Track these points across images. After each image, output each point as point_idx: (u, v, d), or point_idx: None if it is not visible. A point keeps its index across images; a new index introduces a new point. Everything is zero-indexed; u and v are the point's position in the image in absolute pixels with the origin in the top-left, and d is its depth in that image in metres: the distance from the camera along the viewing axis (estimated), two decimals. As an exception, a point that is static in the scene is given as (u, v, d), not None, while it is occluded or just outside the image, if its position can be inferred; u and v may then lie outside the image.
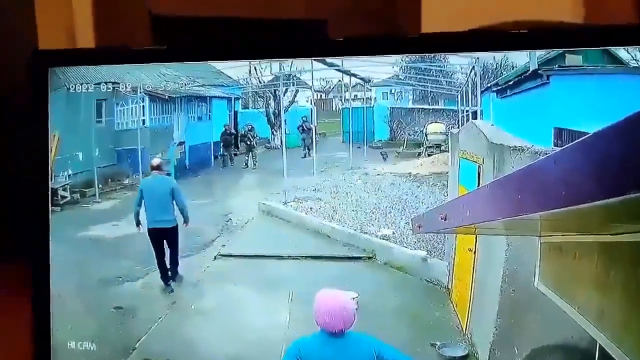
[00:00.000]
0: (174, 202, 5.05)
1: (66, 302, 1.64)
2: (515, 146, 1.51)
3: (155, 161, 5.41)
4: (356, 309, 1.48)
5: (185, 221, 5.08)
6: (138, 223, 5.30)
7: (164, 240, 4.48)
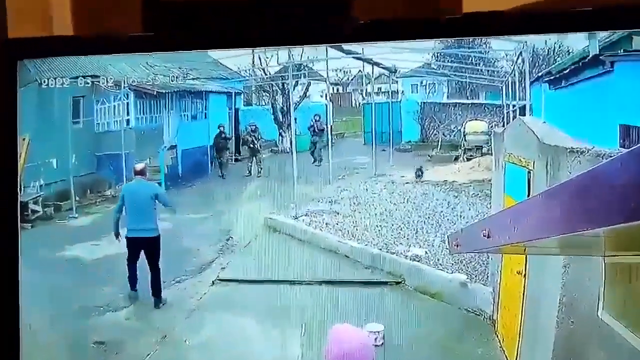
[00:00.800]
0: (157, 210, 5.01)
1: (38, 335, 1.65)
2: (573, 148, 1.49)
3: (139, 166, 5.47)
4: (379, 345, 1.57)
5: (168, 207, 5.01)
6: (117, 233, 5.34)
7: (143, 251, 4.49)
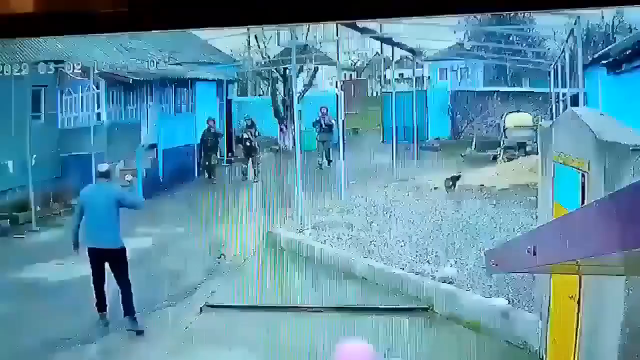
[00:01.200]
0: (119, 215, 5.03)
1: (-10, 374, 1.66)
2: (638, 145, 1.48)
3: (103, 167, 5.50)
4: None
5: (135, 207, 5.05)
6: (76, 244, 5.38)
7: (106, 265, 4.47)
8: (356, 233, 6.90)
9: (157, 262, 7.02)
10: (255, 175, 14.33)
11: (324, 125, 15.14)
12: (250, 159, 14.22)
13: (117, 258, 5.24)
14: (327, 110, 15.35)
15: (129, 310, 5.21)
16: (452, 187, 8.21)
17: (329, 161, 13.92)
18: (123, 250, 5.24)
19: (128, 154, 12.66)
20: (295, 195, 7.51)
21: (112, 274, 5.21)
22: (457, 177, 8.51)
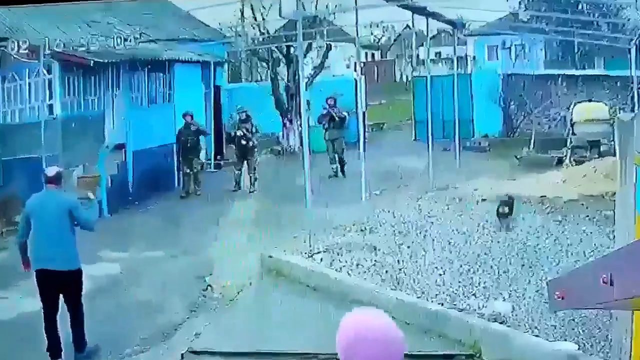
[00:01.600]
0: (73, 230, 5.07)
1: None
2: None
3: (51, 170, 5.54)
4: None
5: (84, 226, 5.08)
6: (26, 261, 5.40)
7: (58, 290, 4.47)
8: (381, 258, 6.88)
9: (127, 294, 7.03)
10: (251, 183, 14.19)
11: (333, 120, 14.76)
12: (246, 162, 14.06)
13: (72, 283, 5.24)
14: (335, 102, 15.06)
15: (79, 345, 5.23)
16: (508, 217, 7.78)
17: (341, 167, 13.69)
18: (79, 273, 5.24)
19: (88, 156, 12.63)
20: (303, 209, 7.49)
21: (65, 305, 5.20)
22: (512, 201, 8.00)
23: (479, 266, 6.47)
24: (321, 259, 7.05)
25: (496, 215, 7.75)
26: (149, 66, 12.68)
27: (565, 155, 12.03)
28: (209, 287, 6.80)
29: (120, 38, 11.27)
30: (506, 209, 7.79)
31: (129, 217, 10.66)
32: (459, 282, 6.05)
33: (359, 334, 1.56)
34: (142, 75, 12.69)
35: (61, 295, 5.14)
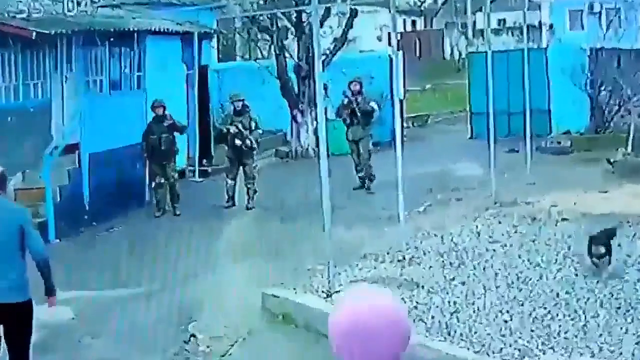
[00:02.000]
0: (23, 250, 5.13)
1: None
2: None
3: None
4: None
5: (48, 291, 5.21)
6: None
7: (3, 328, 4.45)
8: (426, 298, 6.86)
9: (81, 348, 7.04)
10: (249, 198, 13.97)
11: (355, 114, 14.45)
12: (242, 169, 13.56)
13: (19, 318, 5.24)
14: (361, 87, 14.78)
15: None
16: (605, 260, 7.20)
17: (369, 178, 13.47)
18: (29, 305, 5.23)
19: (30, 161, 12.54)
20: (320, 232, 7.45)
21: (5, 346, 5.20)
22: (612, 236, 7.39)
23: (559, 309, 6.44)
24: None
25: (587, 255, 7.30)
26: (111, 39, 12.71)
27: (677, 159, 11.95)
28: (192, 338, 6.79)
29: (73, 1, 11.30)
30: (601, 249, 7.21)
31: (85, 243, 10.64)
32: (532, 330, 6.03)
33: (355, 324, 1.69)
34: (102, 52, 12.71)
35: (2, 337, 5.13)
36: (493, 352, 5.68)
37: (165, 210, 11.49)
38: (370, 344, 1.68)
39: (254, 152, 11.79)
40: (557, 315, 6.26)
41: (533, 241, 8.30)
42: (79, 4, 10.75)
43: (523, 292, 6.78)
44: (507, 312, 6.39)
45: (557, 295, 6.65)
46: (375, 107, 12.05)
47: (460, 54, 31.50)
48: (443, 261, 7.78)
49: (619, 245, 7.65)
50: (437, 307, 6.57)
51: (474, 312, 6.43)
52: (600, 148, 14.00)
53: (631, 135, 12.85)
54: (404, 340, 1.72)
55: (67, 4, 10.74)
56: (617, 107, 15.67)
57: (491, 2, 13.01)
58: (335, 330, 1.71)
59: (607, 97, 15.82)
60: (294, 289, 7.18)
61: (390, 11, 10.27)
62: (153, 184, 11.60)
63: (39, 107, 11.04)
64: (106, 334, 6.90)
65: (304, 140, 16.21)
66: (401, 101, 11.13)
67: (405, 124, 15.49)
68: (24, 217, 5.21)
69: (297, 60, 16.21)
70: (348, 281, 7.16)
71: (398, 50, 11.22)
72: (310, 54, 13.88)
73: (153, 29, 13.49)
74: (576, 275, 7.16)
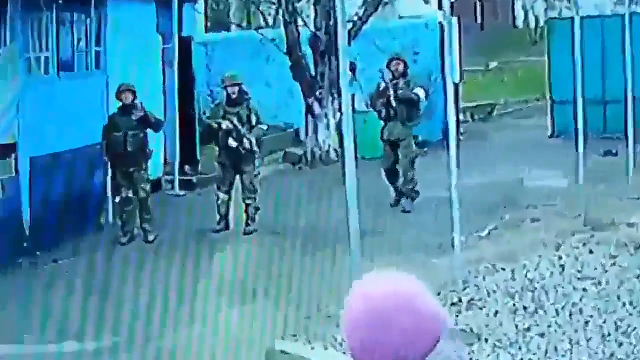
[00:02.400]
0: None
1: None
2: None
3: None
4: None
5: None
6: None
7: None
8: (490, 356, 6.87)
9: None
10: (248, 218, 13.99)
11: (391, 105, 14.17)
12: (239, 179, 13.84)
13: None
14: (404, 68, 14.46)
15: None
16: None
17: (410, 194, 13.24)
18: None
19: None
20: (346, 263, 7.47)
21: None
22: None
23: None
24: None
25: None
26: (60, 2, 12.75)
27: None
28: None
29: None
30: None
31: (23, 279, 10.70)
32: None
33: (366, 311, 1.80)
34: (48, 20, 12.75)
35: None
36: None
37: (134, 235, 11.51)
38: (382, 333, 1.77)
39: (255, 156, 11.75)
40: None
41: (638, 277, 8.29)
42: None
43: (624, 347, 6.78)
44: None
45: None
46: (422, 95, 11.79)
47: (537, 21, 31.54)
48: (514, 304, 7.79)
49: None
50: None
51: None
52: None
53: None
54: (428, 335, 1.81)
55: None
56: None
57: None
58: (345, 317, 1.82)
59: None
60: (309, 341, 7.20)
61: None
62: (117, 199, 11.60)
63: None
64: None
65: (323, 139, 16.17)
66: (456, 85, 11.10)
67: (462, 117, 15.49)
68: None
69: (313, 30, 16.20)
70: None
71: (452, 15, 11.19)
72: (332, 21, 13.83)
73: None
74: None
